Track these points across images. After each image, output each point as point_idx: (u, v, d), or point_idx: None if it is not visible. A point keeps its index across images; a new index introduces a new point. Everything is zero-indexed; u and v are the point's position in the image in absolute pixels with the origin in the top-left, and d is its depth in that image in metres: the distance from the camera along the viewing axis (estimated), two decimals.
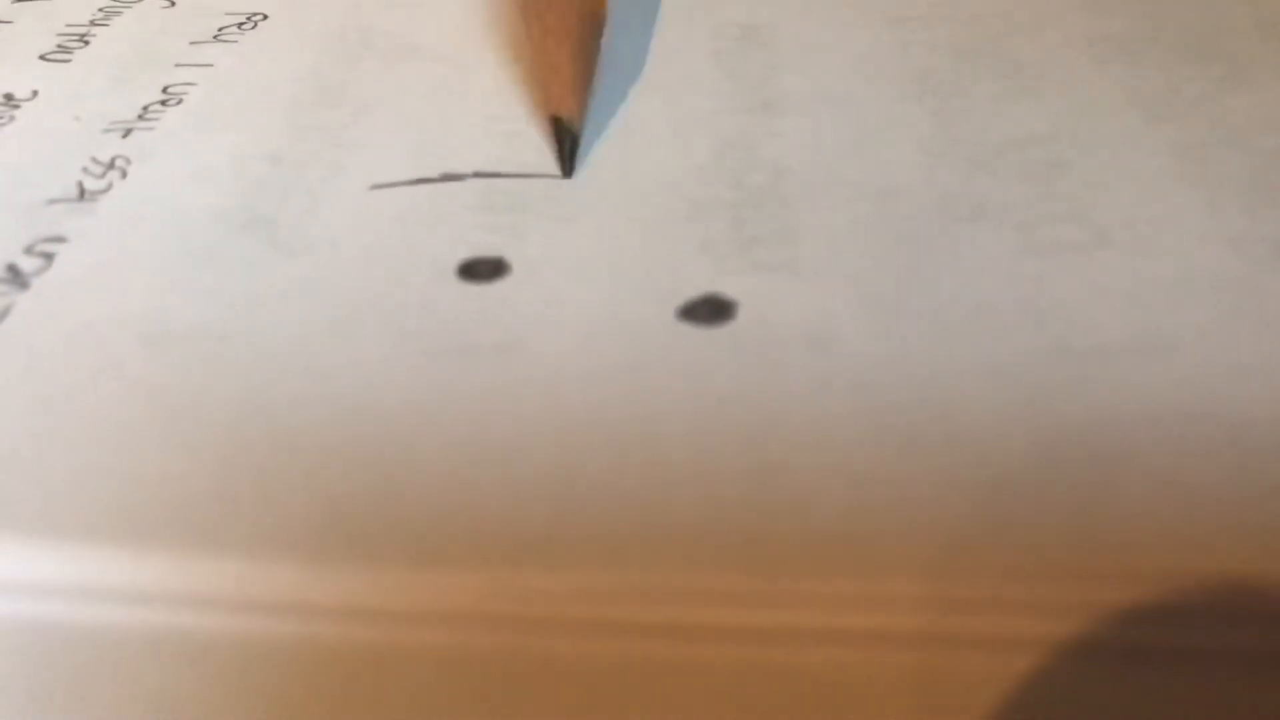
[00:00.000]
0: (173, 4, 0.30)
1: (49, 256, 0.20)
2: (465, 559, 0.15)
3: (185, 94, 0.25)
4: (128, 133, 0.24)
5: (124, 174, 0.23)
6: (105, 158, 0.23)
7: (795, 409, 0.17)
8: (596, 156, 0.23)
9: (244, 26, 0.28)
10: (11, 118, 0.24)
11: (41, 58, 0.27)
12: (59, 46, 0.27)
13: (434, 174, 0.22)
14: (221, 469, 0.16)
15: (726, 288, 0.19)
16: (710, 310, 0.19)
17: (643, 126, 0.24)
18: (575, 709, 0.14)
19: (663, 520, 0.15)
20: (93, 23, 0.29)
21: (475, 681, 0.14)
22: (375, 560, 0.15)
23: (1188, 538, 0.15)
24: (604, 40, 0.25)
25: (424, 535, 0.15)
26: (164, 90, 0.26)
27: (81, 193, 0.22)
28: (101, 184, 0.22)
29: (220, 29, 0.28)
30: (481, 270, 0.20)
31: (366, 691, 0.14)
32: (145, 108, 0.25)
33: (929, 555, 0.15)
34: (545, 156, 0.23)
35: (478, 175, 0.22)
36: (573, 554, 0.15)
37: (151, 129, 0.24)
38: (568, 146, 0.23)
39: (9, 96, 0.25)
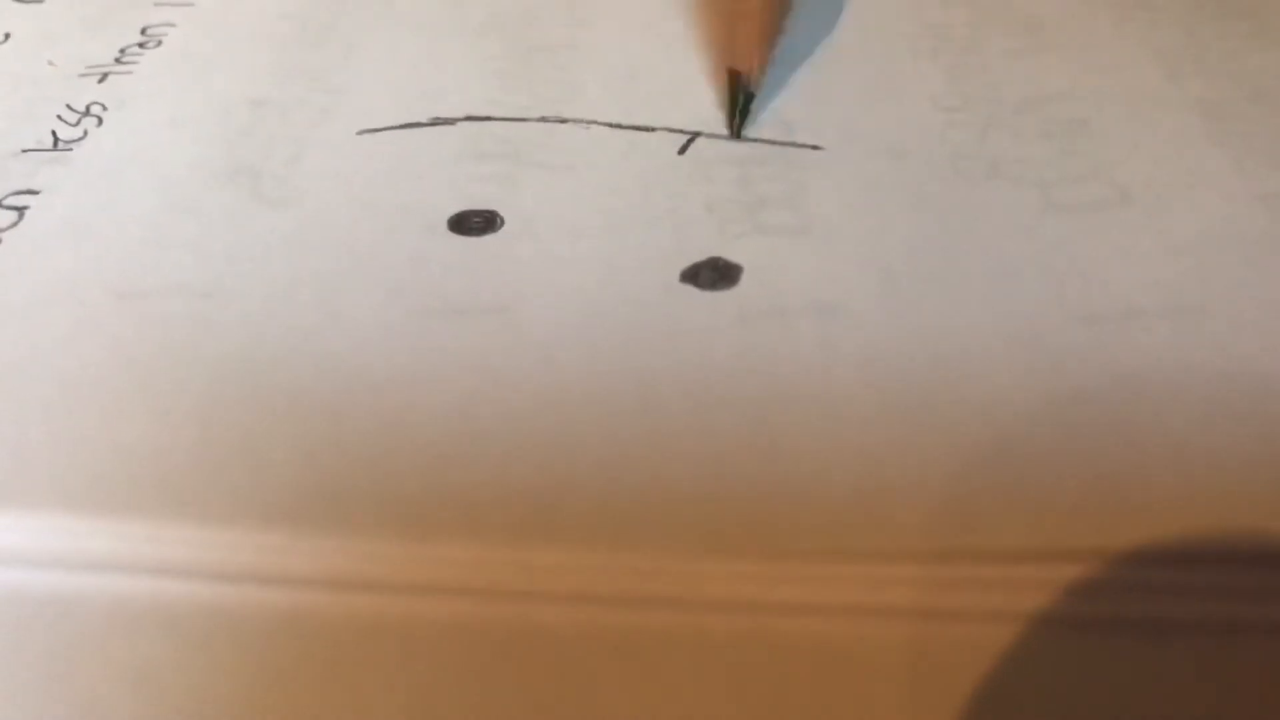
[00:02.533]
0: None
1: (21, 210, 0.19)
2: (455, 530, 0.14)
3: (164, 35, 0.24)
4: (104, 77, 0.23)
5: (100, 121, 0.22)
6: (81, 105, 0.22)
7: (802, 381, 0.16)
8: (596, 102, 0.22)
9: None
10: None
11: None
12: None
13: (424, 118, 0.21)
14: (201, 433, 0.16)
15: (731, 250, 0.18)
16: (714, 274, 0.18)
17: (647, 74, 0.23)
18: (569, 683, 0.13)
19: (661, 493, 0.15)
20: None
21: (463, 656, 0.13)
22: (361, 529, 0.14)
23: (1216, 508, 0.14)
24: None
25: (412, 504, 0.15)
26: (142, 31, 0.24)
27: (56, 142, 0.21)
28: (76, 132, 0.21)
29: None
30: (473, 224, 0.19)
31: (352, 665, 0.13)
32: (123, 50, 0.24)
33: (941, 537, 0.14)
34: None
35: (470, 119, 0.21)
36: (568, 526, 0.14)
37: (129, 73, 0.23)
38: (741, 104, 0.21)
39: None
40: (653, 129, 0.21)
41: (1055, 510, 0.14)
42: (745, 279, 0.18)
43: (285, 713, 0.13)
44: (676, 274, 0.18)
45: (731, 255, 0.18)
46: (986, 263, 0.18)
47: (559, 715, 0.13)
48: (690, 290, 0.18)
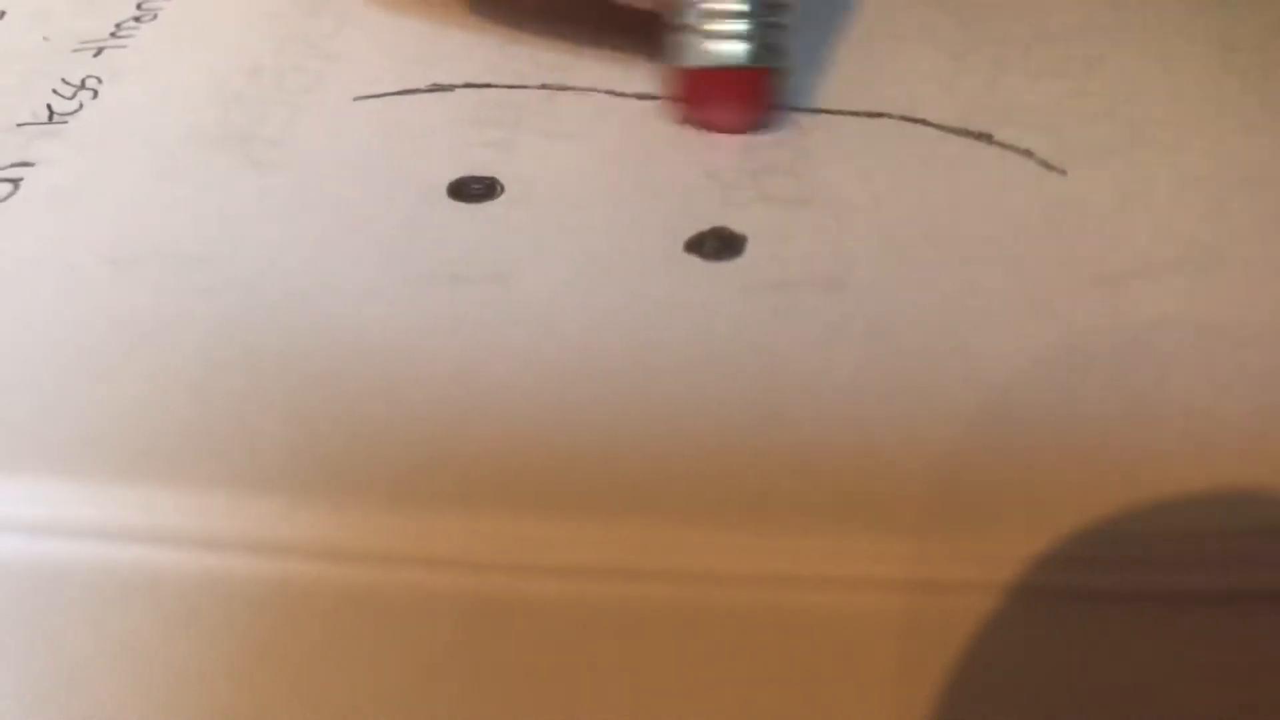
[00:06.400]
0: None
1: (15, 182, 0.19)
2: (450, 501, 0.14)
3: (160, 9, 0.24)
4: (99, 51, 0.23)
5: (95, 94, 0.21)
6: (76, 78, 0.22)
7: (805, 356, 0.16)
8: (597, 69, 0.22)
9: None
10: None
11: None
12: None
13: (421, 84, 0.21)
14: (193, 399, 0.15)
15: (735, 220, 0.18)
16: (718, 244, 0.18)
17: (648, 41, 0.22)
18: (562, 656, 0.13)
19: (660, 465, 0.14)
20: None
21: (458, 628, 0.13)
22: (355, 498, 0.14)
23: (1229, 475, 0.14)
24: None
25: (406, 472, 0.14)
26: (138, 6, 0.24)
27: (51, 115, 0.21)
28: (71, 105, 0.21)
29: None
30: (472, 190, 0.19)
31: (342, 638, 0.13)
32: (118, 25, 0.23)
33: (943, 513, 0.14)
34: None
35: (469, 86, 0.21)
36: (564, 495, 0.14)
37: (124, 46, 0.23)
38: None
39: None
40: (655, 97, 0.21)
41: (1059, 488, 0.14)
42: (750, 249, 0.18)
43: (274, 685, 0.13)
44: (680, 243, 0.18)
45: (735, 225, 0.18)
46: (995, 224, 0.18)
47: (552, 688, 0.13)
48: (693, 260, 0.17)
